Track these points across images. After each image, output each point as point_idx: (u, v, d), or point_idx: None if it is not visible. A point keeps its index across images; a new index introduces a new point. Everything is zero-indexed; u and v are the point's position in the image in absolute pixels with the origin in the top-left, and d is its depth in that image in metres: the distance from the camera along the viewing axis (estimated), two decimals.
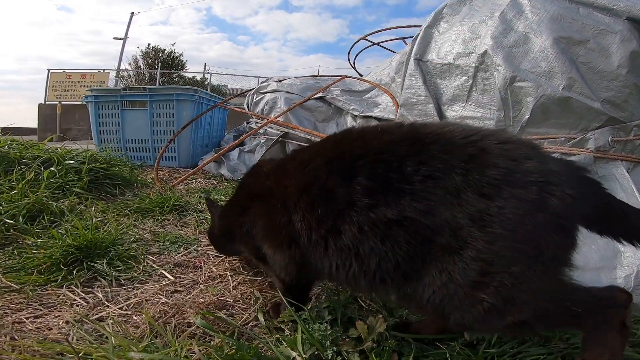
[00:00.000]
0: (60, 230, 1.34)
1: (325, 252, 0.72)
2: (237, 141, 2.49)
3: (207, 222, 1.68)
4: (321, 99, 2.66)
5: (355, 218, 0.67)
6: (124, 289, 1.05)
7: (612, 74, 1.23)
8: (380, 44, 3.51)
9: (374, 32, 3.40)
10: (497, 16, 1.35)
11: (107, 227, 1.44)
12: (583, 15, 1.24)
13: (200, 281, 1.13)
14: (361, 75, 3.52)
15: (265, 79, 3.15)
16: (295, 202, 0.76)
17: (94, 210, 1.67)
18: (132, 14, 15.36)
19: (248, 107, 3.00)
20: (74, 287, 1.03)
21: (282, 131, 2.55)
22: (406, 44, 3.40)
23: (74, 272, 1.09)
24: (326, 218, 0.70)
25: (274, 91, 2.76)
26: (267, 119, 2.58)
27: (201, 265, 1.25)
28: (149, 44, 15.19)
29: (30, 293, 0.97)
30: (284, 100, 2.66)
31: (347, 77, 2.84)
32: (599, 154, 1.31)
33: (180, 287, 1.08)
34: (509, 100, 1.32)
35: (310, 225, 0.73)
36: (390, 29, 3.35)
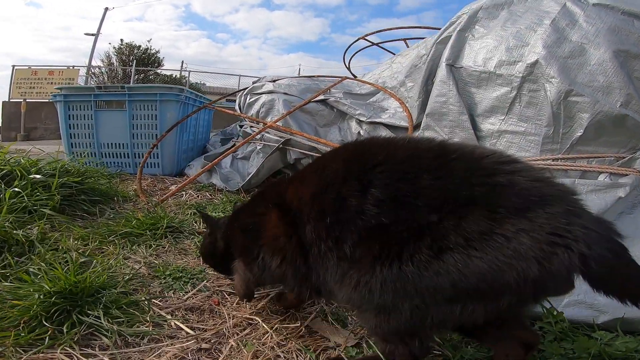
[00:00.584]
0: (32, 269, 1.08)
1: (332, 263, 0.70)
2: (233, 148, 2.25)
3: None
4: (322, 101, 2.47)
5: (361, 227, 0.65)
6: (135, 350, 0.82)
7: None
8: (380, 44, 3.38)
9: (374, 32, 3.27)
10: (548, 24, 1.24)
11: (92, 262, 1.18)
12: (638, 28, 1.16)
13: (227, 333, 0.92)
14: (355, 77, 3.38)
15: (257, 79, 2.91)
16: (308, 211, 0.74)
17: (72, 238, 1.40)
18: (106, 9, 14.31)
19: (240, 108, 2.75)
20: (69, 349, 0.80)
21: (282, 137, 2.34)
22: (408, 46, 3.30)
23: (64, 328, 0.85)
24: (336, 227, 0.69)
25: (270, 92, 2.54)
26: (266, 124, 2.36)
27: (219, 309, 1.04)
28: (121, 40, 14.28)
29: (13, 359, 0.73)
30: (282, 102, 2.45)
31: (347, 78, 2.68)
32: None
33: (204, 343, 0.87)
34: (561, 115, 1.22)
35: (320, 235, 0.71)
36: (391, 29, 3.23)
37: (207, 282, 1.17)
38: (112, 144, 2.61)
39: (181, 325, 0.92)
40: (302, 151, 2.28)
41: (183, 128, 2.73)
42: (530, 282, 0.55)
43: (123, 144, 2.61)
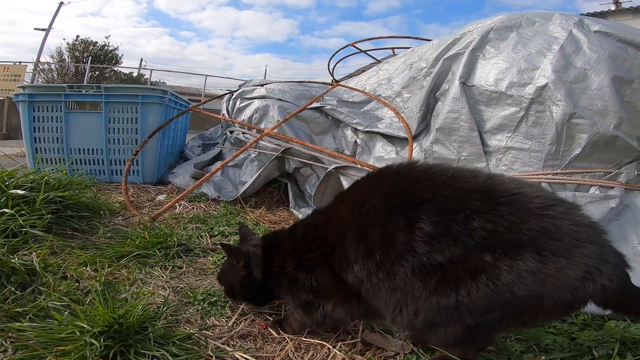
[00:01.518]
0: (52, 304, 0.98)
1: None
2: (232, 157, 2.17)
3: None
4: (317, 109, 2.50)
5: (413, 262, 0.70)
6: None
7: None
8: (367, 52, 3.46)
9: (364, 40, 3.34)
10: (557, 50, 1.39)
11: (121, 291, 1.09)
12: (631, 55, 1.36)
13: (294, 358, 0.92)
14: (336, 83, 3.43)
15: (245, 82, 2.84)
16: (355, 251, 0.77)
17: (76, 263, 1.27)
18: (61, 3, 12.85)
19: (228, 113, 2.67)
20: None
21: (279, 145, 2.32)
22: (395, 54, 3.43)
23: None
24: (386, 262, 0.73)
25: (263, 97, 2.49)
26: (261, 130, 2.32)
27: (269, 333, 1.02)
28: (77, 36, 12.91)
29: None
30: (277, 108, 2.42)
31: (339, 85, 2.73)
32: (627, 186, 1.46)
33: None
34: (563, 135, 1.38)
35: (371, 271, 0.75)
36: (382, 37, 3.33)
37: (242, 304, 1.14)
38: (84, 149, 2.37)
39: (246, 356, 0.89)
40: (302, 160, 2.28)
41: (165, 133, 2.57)
42: (562, 306, 0.68)
43: (97, 150, 2.39)
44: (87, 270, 1.23)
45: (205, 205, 2.19)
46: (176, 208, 2.10)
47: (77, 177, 1.95)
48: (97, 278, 1.17)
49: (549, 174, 1.47)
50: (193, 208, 2.13)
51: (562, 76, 1.35)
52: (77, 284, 1.12)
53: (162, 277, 1.29)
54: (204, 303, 1.13)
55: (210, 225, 1.85)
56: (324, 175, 2.05)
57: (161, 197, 2.30)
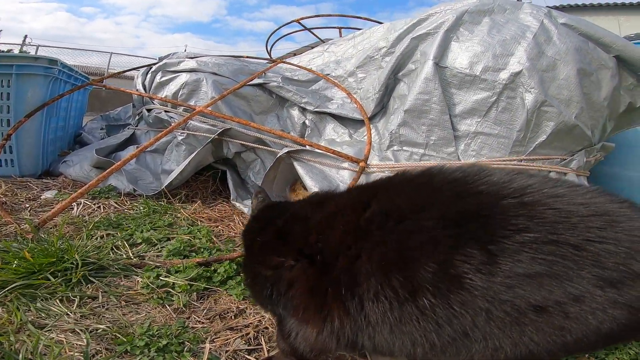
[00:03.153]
0: None
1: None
2: (152, 140, 1.69)
3: (177, 290, 1.08)
4: (259, 86, 2.18)
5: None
6: None
7: (599, 105, 1.46)
8: (311, 30, 3.17)
9: (309, 17, 3.04)
10: (531, 38, 1.37)
11: (3, 343, 0.70)
12: (591, 49, 1.42)
13: None
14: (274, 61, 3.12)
15: (171, 54, 2.32)
16: (376, 282, 0.57)
17: None
18: None
19: (145, 88, 2.15)
20: None
21: (215, 126, 1.95)
22: (341, 35, 3.21)
23: None
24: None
25: (192, 71, 2.06)
26: (193, 108, 1.91)
27: None
28: None
29: None
30: (211, 83, 2.02)
31: (283, 61, 2.44)
32: (577, 172, 1.57)
33: None
34: (532, 122, 1.39)
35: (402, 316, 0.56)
36: (332, 15, 3.07)
37: (209, 343, 0.85)
38: None
39: None
40: (244, 143, 1.96)
41: (51, 112, 1.96)
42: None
43: None
44: None
45: (116, 203, 1.72)
46: (73, 209, 1.60)
47: None
48: None
49: (514, 160, 1.48)
50: (99, 207, 1.65)
51: (535, 64, 1.34)
52: None
53: (69, 314, 0.91)
54: (149, 351, 0.81)
55: (128, 231, 1.43)
56: (275, 160, 1.79)
57: (48, 195, 1.74)
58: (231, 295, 1.08)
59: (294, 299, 0.64)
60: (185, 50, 2.72)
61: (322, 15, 3.01)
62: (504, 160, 1.49)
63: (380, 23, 2.41)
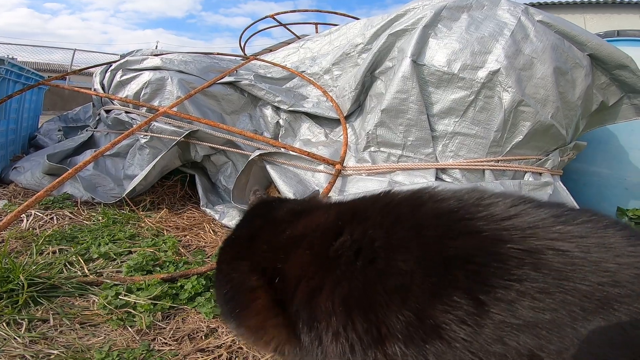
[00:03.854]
0: None
1: None
2: (109, 145, 1.56)
3: (139, 311, 1.00)
4: (230, 84, 2.09)
5: None
6: None
7: (573, 104, 1.48)
8: (287, 25, 3.07)
9: (285, 12, 2.94)
10: (509, 35, 1.36)
11: None
12: (567, 48, 1.43)
13: None
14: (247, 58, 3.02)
15: (135, 51, 2.18)
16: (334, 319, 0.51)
17: None
18: None
19: (103, 87, 2.01)
20: None
21: (182, 127, 1.84)
22: (318, 31, 3.14)
23: None
24: None
25: (157, 69, 1.94)
26: (157, 109, 1.80)
27: None
28: None
29: None
30: (177, 82, 1.91)
31: (256, 58, 2.35)
32: (551, 171, 1.59)
33: None
34: (509, 122, 1.38)
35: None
36: (309, 11, 2.99)
37: None
38: None
39: None
40: (213, 145, 1.86)
41: (0, 114, 1.79)
42: None
43: None
44: None
45: (72, 213, 1.59)
46: (22, 221, 1.46)
47: None
48: None
49: (491, 160, 1.48)
50: (52, 219, 1.52)
51: (513, 62, 1.34)
52: None
53: (16, 339, 0.81)
54: None
55: (83, 245, 1.32)
56: (246, 164, 1.71)
57: None
58: (200, 313, 1.01)
59: (248, 318, 0.60)
60: (156, 47, 2.59)
61: (299, 11, 2.94)
62: (481, 162, 1.48)
63: (357, 19, 2.37)
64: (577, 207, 1.52)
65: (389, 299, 0.46)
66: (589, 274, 0.41)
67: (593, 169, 2.22)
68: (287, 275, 0.57)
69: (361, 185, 1.51)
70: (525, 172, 1.52)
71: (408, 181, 1.44)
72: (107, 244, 1.33)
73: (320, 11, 3.00)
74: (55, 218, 1.52)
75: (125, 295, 1.04)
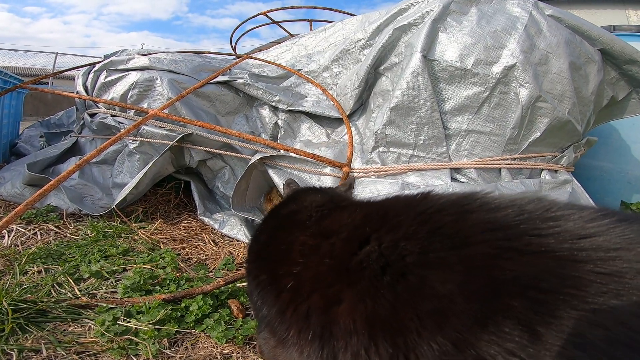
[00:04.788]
0: None
1: None
2: (94, 152, 1.45)
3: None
4: (224, 84, 2.00)
5: None
6: None
7: (586, 100, 1.46)
8: (280, 23, 2.98)
9: (276, 10, 2.84)
10: (522, 30, 1.31)
11: None
12: (579, 42, 1.40)
13: None
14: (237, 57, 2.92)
15: (119, 51, 2.06)
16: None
17: None
18: None
19: (86, 90, 1.89)
20: None
21: (174, 131, 1.74)
22: (311, 29, 3.06)
23: None
24: None
25: (145, 68, 1.83)
26: (146, 112, 1.69)
27: None
28: None
29: None
30: (167, 82, 1.81)
31: (250, 57, 2.26)
32: (566, 168, 1.56)
33: None
34: (526, 118, 1.34)
35: None
36: (302, 7, 2.91)
37: None
38: None
39: None
40: (209, 150, 1.77)
41: None
42: None
43: None
44: None
45: (57, 227, 1.47)
46: (4, 237, 1.34)
47: None
48: None
49: (507, 159, 1.44)
50: (36, 234, 1.40)
51: (529, 57, 1.29)
52: None
53: None
54: None
55: (72, 262, 1.21)
56: (246, 168, 1.63)
57: None
58: (211, 337, 0.92)
59: (267, 317, 0.58)
60: (142, 49, 2.47)
61: (290, 8, 2.85)
62: (497, 160, 1.44)
63: (352, 15, 2.31)
64: (593, 204, 1.49)
65: (421, 324, 0.40)
66: None
67: (596, 163, 2.22)
68: (302, 281, 0.52)
69: (371, 189, 1.44)
70: (542, 169, 1.49)
71: (422, 183, 1.38)
72: (99, 261, 1.23)
73: (313, 7, 2.92)
74: (39, 233, 1.40)
75: (124, 320, 0.95)
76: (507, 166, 1.42)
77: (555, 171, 1.51)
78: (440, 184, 1.33)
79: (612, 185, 2.24)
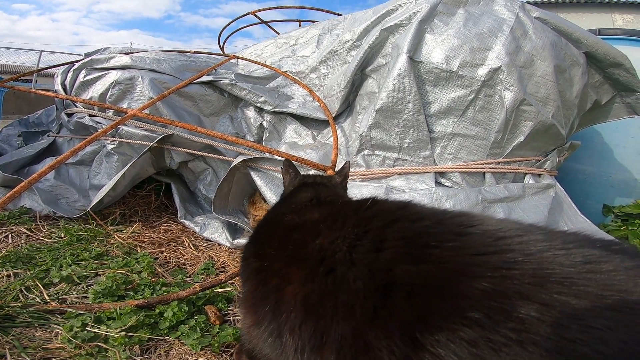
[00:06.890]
0: None
1: None
2: (69, 152, 1.42)
3: None
4: (208, 84, 1.99)
5: None
6: None
7: (570, 103, 1.49)
8: (269, 23, 2.98)
9: (266, 9, 2.84)
10: (508, 32, 1.34)
11: None
12: (564, 45, 1.43)
13: None
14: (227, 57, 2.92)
15: (101, 49, 2.04)
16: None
17: None
18: None
19: (64, 89, 1.86)
20: None
21: (154, 131, 1.73)
22: (300, 27, 3.07)
23: None
24: None
25: (125, 67, 1.81)
26: (125, 111, 1.67)
27: None
28: None
29: None
30: (148, 82, 1.79)
31: (236, 56, 2.26)
32: (549, 172, 1.59)
33: None
34: (510, 122, 1.37)
35: None
36: (292, 7, 2.92)
37: None
38: None
39: None
40: (190, 151, 1.76)
41: None
42: None
43: None
44: None
45: (29, 230, 1.44)
46: None
47: None
48: None
49: (492, 163, 1.46)
50: (7, 237, 1.37)
51: (514, 59, 1.32)
52: None
53: None
54: None
55: (42, 267, 1.19)
56: (229, 171, 1.62)
57: None
58: (185, 344, 0.91)
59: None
60: (130, 47, 2.45)
61: (281, 7, 2.86)
62: (481, 164, 1.46)
63: (340, 15, 2.33)
64: (575, 208, 1.51)
65: (335, 312, 0.48)
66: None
67: (579, 166, 2.26)
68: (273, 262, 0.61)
69: (355, 192, 1.45)
70: (526, 174, 1.51)
71: (406, 187, 1.39)
72: (70, 266, 1.20)
73: (304, 7, 2.94)
74: (10, 236, 1.37)
75: (93, 326, 0.93)
76: (491, 170, 1.44)
77: (539, 175, 1.53)
78: (424, 187, 1.34)
79: (594, 188, 2.27)
